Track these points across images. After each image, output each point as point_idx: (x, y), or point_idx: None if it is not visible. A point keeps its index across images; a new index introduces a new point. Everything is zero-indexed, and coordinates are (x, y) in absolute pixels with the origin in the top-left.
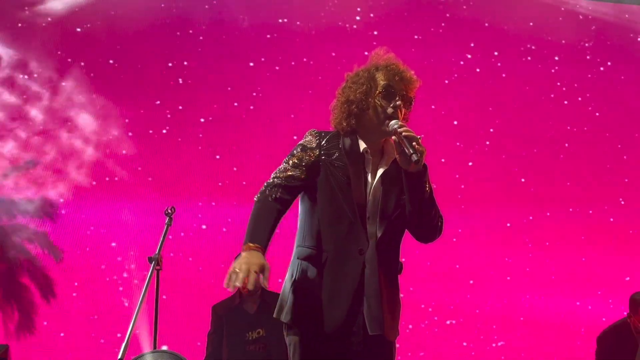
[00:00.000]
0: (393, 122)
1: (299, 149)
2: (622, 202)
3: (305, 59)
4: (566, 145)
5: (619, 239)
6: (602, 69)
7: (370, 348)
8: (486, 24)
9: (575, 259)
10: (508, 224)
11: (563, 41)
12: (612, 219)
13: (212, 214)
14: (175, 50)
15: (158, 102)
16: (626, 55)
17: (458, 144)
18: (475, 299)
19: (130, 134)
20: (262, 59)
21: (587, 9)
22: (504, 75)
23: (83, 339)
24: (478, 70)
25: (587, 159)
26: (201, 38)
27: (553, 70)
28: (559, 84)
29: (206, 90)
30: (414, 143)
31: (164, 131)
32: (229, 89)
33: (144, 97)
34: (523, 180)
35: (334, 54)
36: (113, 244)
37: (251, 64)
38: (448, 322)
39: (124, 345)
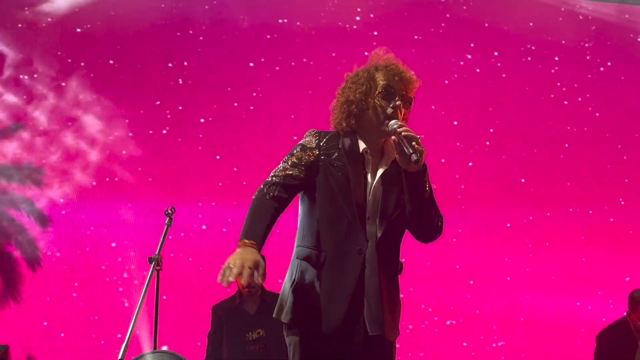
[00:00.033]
0: (393, 122)
1: (298, 149)
2: (622, 202)
3: (305, 59)
4: (566, 145)
5: (619, 239)
6: (602, 69)
7: (371, 348)
8: (486, 24)
9: (575, 259)
10: (508, 224)
11: (563, 41)
12: (612, 219)
13: (212, 214)
14: (175, 51)
15: (158, 102)
16: (626, 56)
17: (458, 144)
18: (475, 299)
19: (130, 134)
20: (262, 59)
21: (587, 9)
22: (504, 75)
23: (83, 339)
24: (478, 70)
25: (587, 159)
26: (201, 38)
27: (553, 71)
28: (559, 84)
29: (206, 91)
30: (413, 143)
31: (164, 131)
32: (229, 89)
33: (144, 97)
34: (523, 180)
35: (334, 54)
36: (113, 244)
37: (251, 64)
38: (448, 323)
39: (124, 345)
